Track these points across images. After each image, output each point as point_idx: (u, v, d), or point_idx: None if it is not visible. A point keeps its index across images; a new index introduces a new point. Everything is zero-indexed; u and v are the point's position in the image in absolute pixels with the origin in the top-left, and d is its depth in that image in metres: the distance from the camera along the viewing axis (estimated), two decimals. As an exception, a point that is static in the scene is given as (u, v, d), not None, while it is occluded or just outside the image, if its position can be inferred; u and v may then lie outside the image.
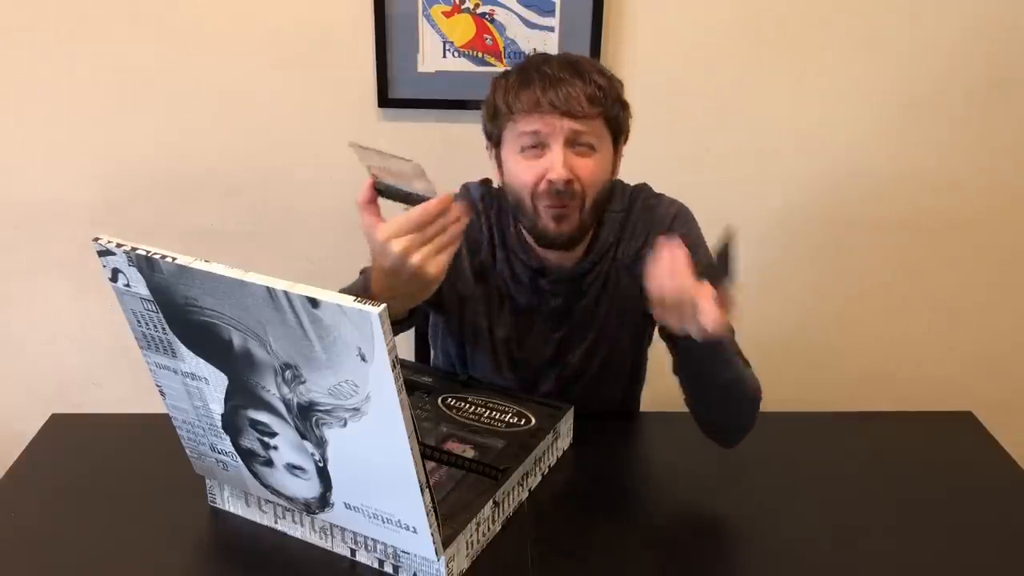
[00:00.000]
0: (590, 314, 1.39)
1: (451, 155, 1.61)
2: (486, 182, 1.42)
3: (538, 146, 1.24)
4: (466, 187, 1.44)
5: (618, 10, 1.79)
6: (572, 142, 1.23)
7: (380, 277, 1.04)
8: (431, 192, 1.00)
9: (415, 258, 0.99)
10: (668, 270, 1.06)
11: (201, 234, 1.96)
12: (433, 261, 1.00)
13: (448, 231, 1.00)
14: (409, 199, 1.02)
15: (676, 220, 1.37)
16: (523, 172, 1.26)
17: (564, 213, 1.26)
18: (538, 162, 1.25)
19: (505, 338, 1.42)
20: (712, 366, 1.22)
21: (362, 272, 1.30)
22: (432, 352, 1.57)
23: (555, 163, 1.22)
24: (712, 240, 1.35)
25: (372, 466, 1.00)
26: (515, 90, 1.24)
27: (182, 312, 1.00)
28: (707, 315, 1.02)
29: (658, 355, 1.56)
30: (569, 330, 1.40)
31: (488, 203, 1.39)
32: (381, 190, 1.04)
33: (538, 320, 1.40)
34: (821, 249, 2.01)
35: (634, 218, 1.38)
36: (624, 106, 1.29)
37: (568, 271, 1.36)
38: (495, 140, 1.31)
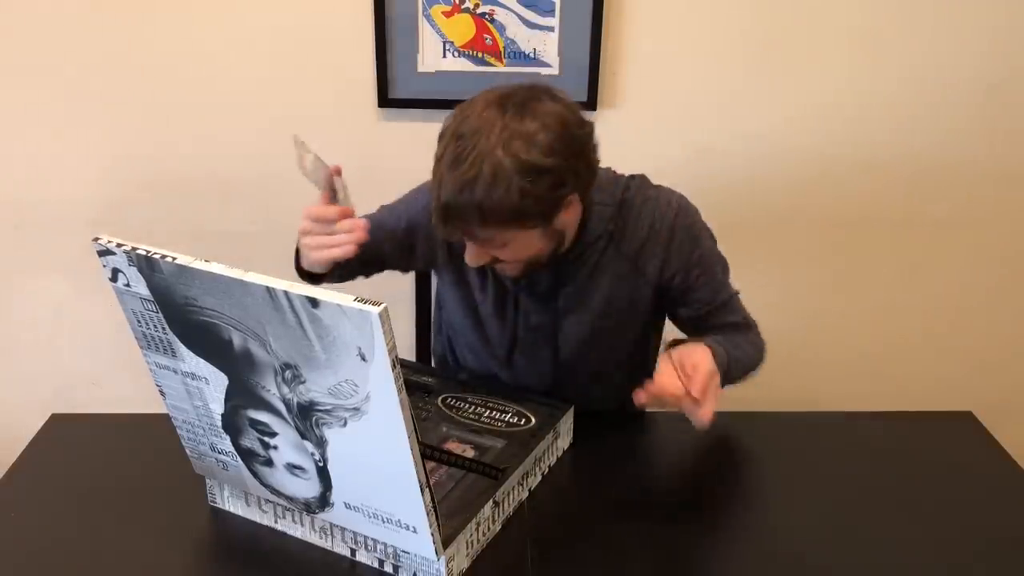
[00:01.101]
0: (578, 297, 1.36)
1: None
2: None
3: None
4: None
5: (618, 10, 1.79)
6: (484, 241, 1.20)
7: None
8: (344, 201, 1.22)
9: (305, 240, 1.20)
10: (669, 380, 1.16)
11: (201, 234, 1.96)
12: (315, 252, 1.19)
13: (334, 238, 1.17)
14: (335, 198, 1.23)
15: (679, 215, 1.34)
16: None
17: (503, 268, 1.29)
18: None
19: (490, 315, 1.40)
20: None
21: None
22: (433, 320, 1.60)
23: (468, 256, 1.24)
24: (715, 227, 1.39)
25: (372, 466, 1.00)
26: (433, 172, 1.18)
27: (182, 312, 1.00)
28: (701, 418, 1.15)
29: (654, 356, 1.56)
30: (557, 313, 1.38)
31: None
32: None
33: (525, 302, 1.38)
34: (821, 249, 2.01)
35: (632, 210, 1.33)
36: (540, 199, 1.14)
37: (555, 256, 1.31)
38: None
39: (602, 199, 1.30)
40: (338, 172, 1.22)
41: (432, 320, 1.66)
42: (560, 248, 1.27)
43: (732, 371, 1.31)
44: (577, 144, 1.16)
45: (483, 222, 1.14)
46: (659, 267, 1.33)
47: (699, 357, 1.17)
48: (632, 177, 1.37)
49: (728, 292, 1.41)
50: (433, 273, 1.58)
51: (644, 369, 1.49)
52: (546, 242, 1.23)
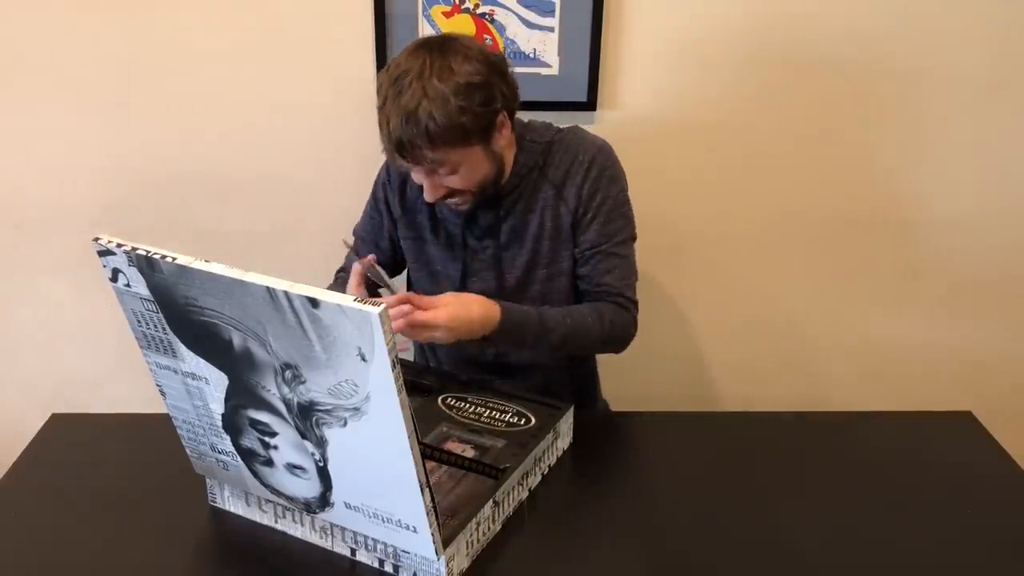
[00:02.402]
0: (518, 228, 1.47)
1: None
2: None
3: None
4: None
5: (618, 10, 1.79)
6: (434, 171, 1.34)
7: None
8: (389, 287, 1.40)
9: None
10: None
11: (201, 234, 1.96)
12: None
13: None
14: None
15: (600, 154, 1.46)
16: (412, 175, 1.40)
17: (455, 203, 1.41)
18: (414, 175, 1.38)
19: (442, 259, 1.52)
20: (526, 345, 1.39)
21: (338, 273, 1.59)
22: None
23: (425, 192, 1.38)
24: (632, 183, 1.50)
25: (372, 466, 1.00)
26: (378, 121, 1.31)
27: (182, 312, 1.00)
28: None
29: (656, 355, 1.56)
30: (500, 246, 1.48)
31: None
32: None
33: (472, 240, 1.49)
34: (820, 249, 2.01)
35: (561, 146, 1.46)
36: (477, 115, 1.30)
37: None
38: None
39: (533, 137, 1.46)
40: (373, 262, 1.37)
41: None
42: (501, 179, 1.42)
43: (551, 336, 1.38)
44: (496, 66, 1.33)
45: (431, 145, 1.28)
46: (576, 195, 1.45)
47: (439, 306, 1.29)
48: (569, 127, 1.51)
49: (617, 249, 1.47)
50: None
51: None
52: (489, 165, 1.38)
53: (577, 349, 1.47)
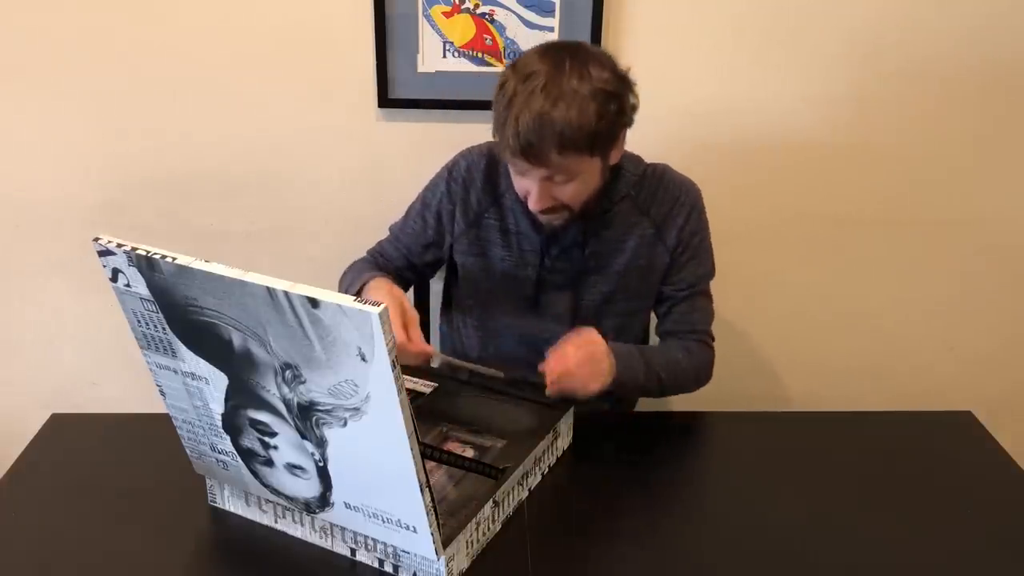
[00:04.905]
0: (605, 253, 1.44)
1: (451, 155, 1.62)
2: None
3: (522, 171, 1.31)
4: (468, 151, 1.53)
5: (618, 10, 1.79)
6: (550, 178, 1.29)
7: None
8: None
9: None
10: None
11: (201, 234, 1.96)
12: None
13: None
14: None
15: (699, 199, 1.47)
16: (515, 180, 1.36)
17: (552, 218, 1.37)
18: (523, 180, 1.32)
19: (508, 274, 1.47)
20: (640, 391, 1.43)
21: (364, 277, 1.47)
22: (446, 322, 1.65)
23: (532, 199, 1.32)
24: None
25: (372, 466, 1.00)
26: (500, 118, 1.26)
27: (182, 312, 1.00)
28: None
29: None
30: (583, 267, 1.45)
31: None
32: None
33: (551, 256, 1.45)
34: (821, 248, 2.01)
35: (656, 181, 1.45)
36: (610, 124, 1.27)
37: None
38: None
39: (627, 167, 1.43)
40: (436, 353, 1.35)
41: (440, 314, 1.69)
42: (591, 202, 1.38)
43: (649, 377, 1.38)
44: (625, 78, 1.31)
45: (561, 149, 1.23)
46: (676, 236, 1.45)
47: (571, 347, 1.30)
48: (655, 163, 1.49)
49: (706, 289, 1.49)
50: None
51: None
52: (599, 181, 1.35)
53: (676, 388, 1.46)
